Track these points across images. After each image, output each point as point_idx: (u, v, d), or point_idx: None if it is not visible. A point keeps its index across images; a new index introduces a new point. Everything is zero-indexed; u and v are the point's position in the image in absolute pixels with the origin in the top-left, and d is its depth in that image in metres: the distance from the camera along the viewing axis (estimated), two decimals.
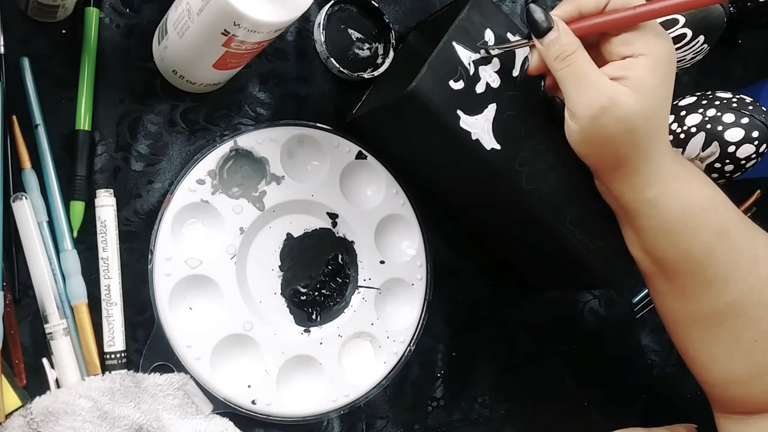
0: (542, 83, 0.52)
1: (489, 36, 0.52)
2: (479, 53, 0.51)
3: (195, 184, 0.54)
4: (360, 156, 0.60)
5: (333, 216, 0.60)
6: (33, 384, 0.50)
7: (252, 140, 0.56)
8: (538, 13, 0.48)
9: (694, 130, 0.62)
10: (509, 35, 0.53)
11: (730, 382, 0.54)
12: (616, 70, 0.48)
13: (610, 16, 0.48)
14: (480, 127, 0.51)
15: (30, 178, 0.51)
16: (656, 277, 0.54)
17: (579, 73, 0.48)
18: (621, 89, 0.47)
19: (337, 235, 0.60)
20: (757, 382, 0.53)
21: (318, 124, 0.58)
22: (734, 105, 0.61)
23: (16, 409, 0.49)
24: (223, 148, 0.55)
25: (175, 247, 0.54)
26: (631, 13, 0.47)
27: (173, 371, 0.53)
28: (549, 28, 0.48)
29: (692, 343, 0.55)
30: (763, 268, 0.52)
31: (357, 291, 0.60)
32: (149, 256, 0.53)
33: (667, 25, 0.61)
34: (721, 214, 0.52)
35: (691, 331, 0.54)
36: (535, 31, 0.48)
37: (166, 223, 0.53)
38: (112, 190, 0.53)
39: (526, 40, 0.51)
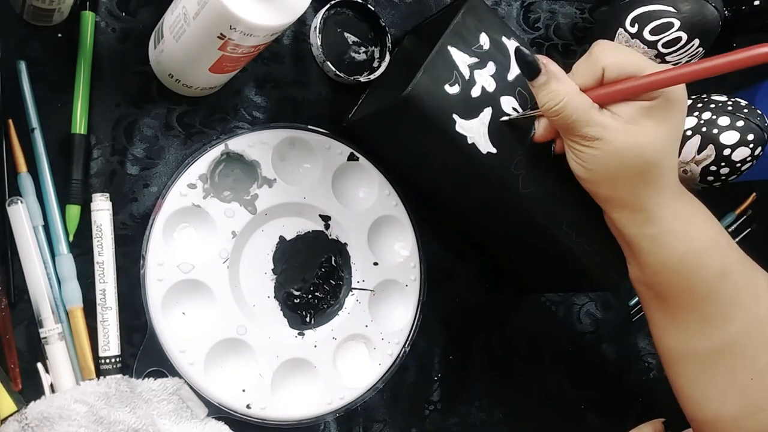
0: (552, 146, 0.54)
1: (484, 40, 0.52)
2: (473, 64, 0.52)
3: (186, 188, 0.54)
4: (352, 158, 0.60)
5: (326, 218, 0.59)
6: (28, 388, 0.50)
7: (243, 143, 0.56)
8: (528, 56, 0.48)
9: (689, 133, 0.62)
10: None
11: (721, 421, 0.53)
12: (621, 105, 0.48)
13: (608, 89, 0.48)
14: (476, 131, 0.51)
15: (26, 182, 0.51)
16: (656, 311, 0.54)
17: (569, 120, 0.48)
18: (612, 126, 0.48)
19: (330, 237, 0.60)
20: (750, 421, 0.52)
21: (309, 127, 0.58)
22: (729, 108, 0.61)
23: (11, 414, 0.49)
24: (214, 152, 0.55)
25: (167, 252, 0.53)
26: (623, 87, 0.48)
27: (167, 377, 0.53)
28: (538, 71, 0.48)
29: (687, 379, 0.54)
30: (762, 307, 0.52)
31: (351, 293, 0.60)
32: (141, 262, 0.53)
33: (662, 28, 0.61)
34: (724, 254, 0.52)
35: (687, 367, 0.54)
36: (527, 73, 0.49)
37: (158, 228, 0.53)
38: (108, 194, 0.53)
39: (537, 110, 0.51)
